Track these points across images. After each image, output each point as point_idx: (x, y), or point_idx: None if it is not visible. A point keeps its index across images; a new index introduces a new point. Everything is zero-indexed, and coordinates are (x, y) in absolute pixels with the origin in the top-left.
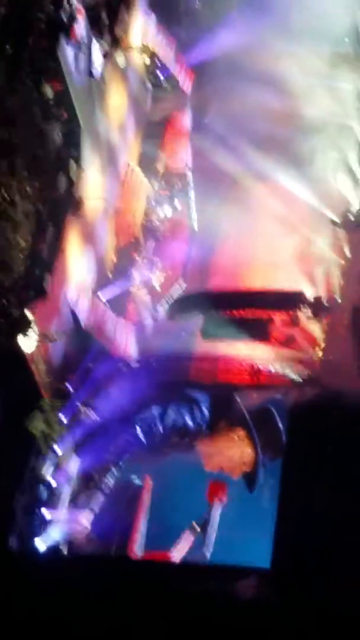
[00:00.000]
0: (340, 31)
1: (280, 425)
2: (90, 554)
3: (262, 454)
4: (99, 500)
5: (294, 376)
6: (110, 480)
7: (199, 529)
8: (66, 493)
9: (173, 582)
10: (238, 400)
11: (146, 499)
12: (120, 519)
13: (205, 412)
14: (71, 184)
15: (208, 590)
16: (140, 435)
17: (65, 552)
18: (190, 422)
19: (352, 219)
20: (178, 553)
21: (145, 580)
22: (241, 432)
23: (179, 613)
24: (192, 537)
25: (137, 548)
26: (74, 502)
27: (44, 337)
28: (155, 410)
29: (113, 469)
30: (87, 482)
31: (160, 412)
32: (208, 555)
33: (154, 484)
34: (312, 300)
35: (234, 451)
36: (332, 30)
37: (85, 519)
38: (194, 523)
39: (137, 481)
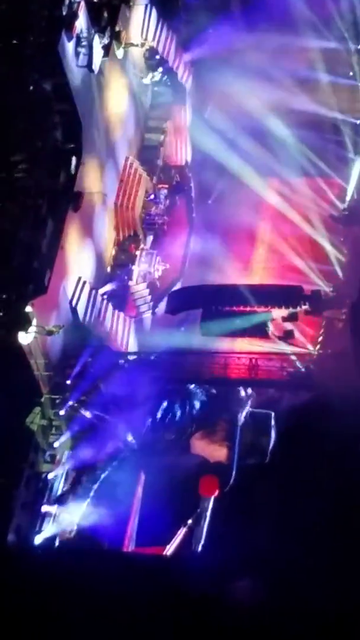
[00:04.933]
0: (339, 27)
1: (273, 434)
2: (84, 548)
3: (238, 459)
4: (90, 495)
5: (292, 371)
6: (100, 477)
7: (193, 524)
8: (61, 488)
9: (168, 578)
10: (237, 400)
11: (139, 494)
12: (113, 514)
13: (201, 409)
14: (70, 178)
15: (200, 591)
16: (132, 439)
17: (60, 546)
18: (185, 419)
19: (347, 213)
20: (171, 547)
21: (139, 574)
22: (225, 435)
23: (175, 608)
24: (186, 532)
25: (131, 542)
26: (68, 496)
27: (45, 331)
28: (152, 408)
29: (103, 468)
30: (80, 477)
31: (158, 410)
32: (199, 548)
33: (147, 479)
34: (310, 295)
35: (216, 449)
36: (331, 26)
37: (76, 514)
38: (189, 520)
39: None
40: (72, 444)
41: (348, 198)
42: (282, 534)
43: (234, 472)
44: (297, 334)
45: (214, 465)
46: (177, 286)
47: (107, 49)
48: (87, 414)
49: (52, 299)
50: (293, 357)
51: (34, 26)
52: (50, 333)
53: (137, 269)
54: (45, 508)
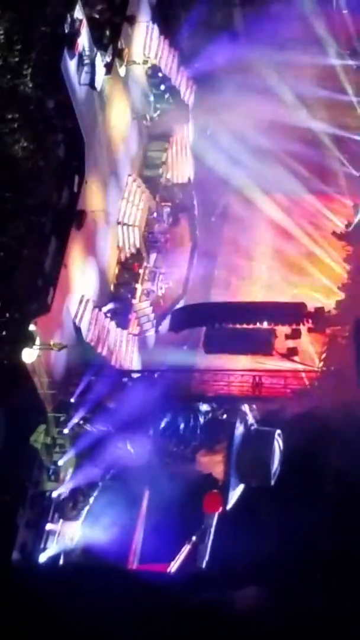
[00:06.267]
0: (340, 45)
1: (276, 455)
2: (89, 565)
3: (236, 480)
4: (94, 513)
5: (295, 388)
6: (104, 495)
7: (197, 541)
8: (65, 506)
9: (171, 595)
10: (238, 419)
11: (144, 510)
12: (117, 531)
13: (205, 426)
14: (74, 196)
15: (204, 600)
16: (136, 457)
17: (65, 564)
18: (189, 436)
19: (350, 229)
20: (175, 564)
21: (143, 591)
22: (224, 454)
23: (178, 625)
24: (190, 549)
25: (135, 559)
26: (72, 514)
27: (50, 346)
28: (158, 422)
29: (107, 486)
30: (84, 495)
31: (162, 427)
32: (203, 564)
33: (151, 496)
34: (313, 312)
35: (220, 466)
36: (333, 44)
37: (80, 531)
38: (193, 537)
39: None
40: (76, 462)
41: (358, 217)
42: (286, 550)
43: (230, 489)
44: (300, 351)
45: (218, 481)
46: (181, 304)
47: (109, 67)
48: (92, 432)
49: (55, 317)
50: (297, 374)
51: (36, 44)
52: (58, 348)
53: (141, 287)
54: (49, 526)
